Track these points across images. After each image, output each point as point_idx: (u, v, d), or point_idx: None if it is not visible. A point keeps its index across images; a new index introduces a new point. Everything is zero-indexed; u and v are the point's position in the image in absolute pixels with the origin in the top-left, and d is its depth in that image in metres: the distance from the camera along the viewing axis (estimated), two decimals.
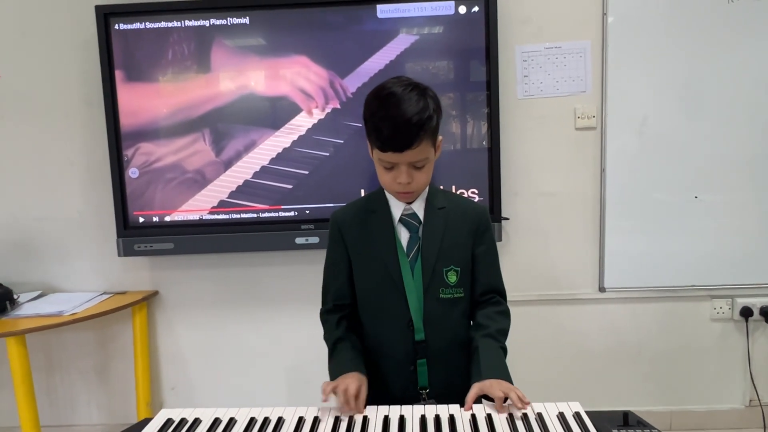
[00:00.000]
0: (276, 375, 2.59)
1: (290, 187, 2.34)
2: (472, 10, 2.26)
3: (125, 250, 2.37)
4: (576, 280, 2.47)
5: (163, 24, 2.28)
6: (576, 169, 2.41)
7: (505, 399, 1.15)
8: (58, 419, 2.64)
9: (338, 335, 1.34)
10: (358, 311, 1.38)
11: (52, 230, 2.52)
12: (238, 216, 2.36)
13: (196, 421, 1.17)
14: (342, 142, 2.32)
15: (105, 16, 2.27)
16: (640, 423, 1.09)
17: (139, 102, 2.32)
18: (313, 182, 2.34)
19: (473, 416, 1.12)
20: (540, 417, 1.11)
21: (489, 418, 1.12)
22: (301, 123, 2.32)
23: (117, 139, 2.33)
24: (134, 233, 2.37)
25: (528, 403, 1.15)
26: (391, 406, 1.18)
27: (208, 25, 2.28)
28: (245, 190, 2.35)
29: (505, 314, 1.36)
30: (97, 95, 2.35)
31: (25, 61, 2.43)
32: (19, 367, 2.10)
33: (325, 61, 2.29)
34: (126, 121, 2.33)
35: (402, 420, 1.13)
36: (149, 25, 2.28)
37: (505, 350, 1.30)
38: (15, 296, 2.31)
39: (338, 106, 2.31)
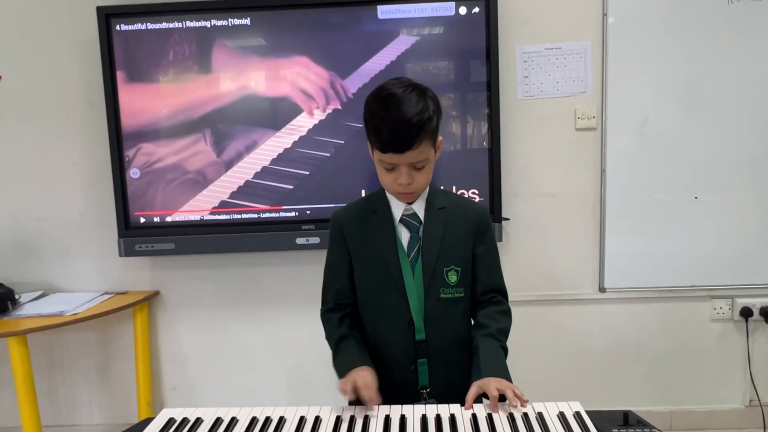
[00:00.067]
0: (277, 375, 2.59)
1: (291, 187, 2.35)
2: (473, 11, 2.26)
3: (126, 251, 2.37)
4: (576, 280, 2.48)
5: (164, 25, 2.29)
6: (576, 170, 2.42)
7: (503, 398, 1.15)
8: (59, 419, 2.65)
9: (342, 333, 1.34)
10: (358, 311, 1.39)
11: (53, 230, 2.52)
12: (239, 216, 2.37)
13: (198, 421, 1.17)
14: (343, 142, 2.33)
15: (106, 17, 2.28)
16: (640, 422, 1.09)
17: (141, 103, 2.32)
18: (313, 183, 2.34)
19: (474, 416, 1.13)
20: (540, 416, 1.12)
21: (489, 417, 1.12)
22: (302, 123, 2.32)
23: (118, 140, 2.34)
24: (135, 233, 2.38)
25: (527, 401, 1.15)
26: (392, 406, 1.18)
27: (209, 26, 2.28)
28: (246, 191, 2.36)
29: (506, 313, 1.36)
30: (98, 96, 2.35)
31: (27, 62, 2.44)
32: (20, 367, 2.10)
33: (325, 62, 2.29)
34: (127, 121, 2.33)
35: (403, 419, 1.13)
36: (150, 25, 2.29)
37: (505, 350, 1.30)
38: (16, 296, 2.31)
39: (339, 107, 2.31)
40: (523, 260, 2.46)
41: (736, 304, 2.44)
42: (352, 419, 1.15)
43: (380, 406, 1.18)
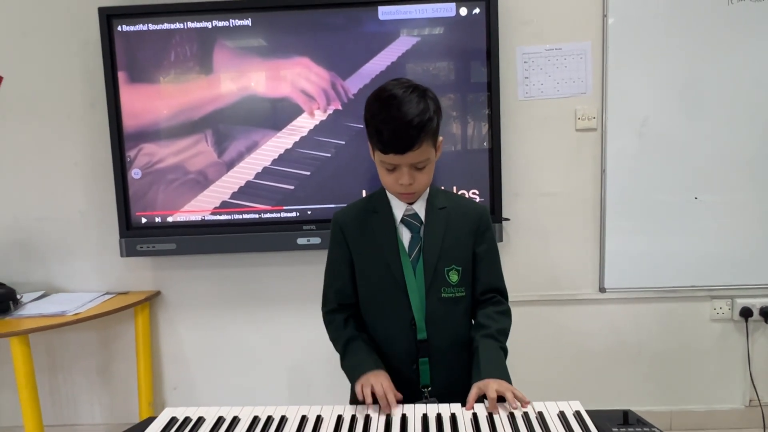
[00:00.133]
0: (277, 375, 2.60)
1: (292, 187, 2.36)
2: (473, 12, 2.27)
3: (128, 251, 2.38)
4: (576, 280, 2.48)
5: (165, 26, 2.29)
6: (576, 170, 2.42)
7: (503, 399, 1.16)
8: (60, 419, 2.65)
9: (350, 334, 1.34)
10: (360, 311, 1.39)
11: (54, 230, 2.53)
12: (240, 217, 2.37)
13: (200, 420, 1.18)
14: (343, 143, 2.33)
15: (108, 18, 2.28)
16: (640, 421, 1.10)
17: (142, 103, 2.33)
18: (314, 183, 2.35)
19: (474, 415, 1.13)
20: (541, 416, 1.12)
21: (490, 416, 1.13)
22: (303, 124, 2.33)
23: (120, 140, 2.34)
24: (137, 234, 2.38)
25: (528, 403, 1.16)
26: None
27: (210, 26, 2.29)
28: (247, 191, 2.36)
29: (506, 314, 1.37)
30: (99, 96, 2.36)
31: (28, 63, 2.44)
32: (22, 367, 2.11)
33: (326, 63, 2.30)
34: (129, 122, 2.34)
35: (404, 419, 1.14)
36: (152, 26, 2.30)
37: (505, 350, 1.31)
38: (18, 296, 2.32)
39: (340, 108, 2.32)
40: (523, 260, 2.46)
41: (736, 304, 2.44)
42: (354, 418, 1.15)
43: (381, 405, 1.19)
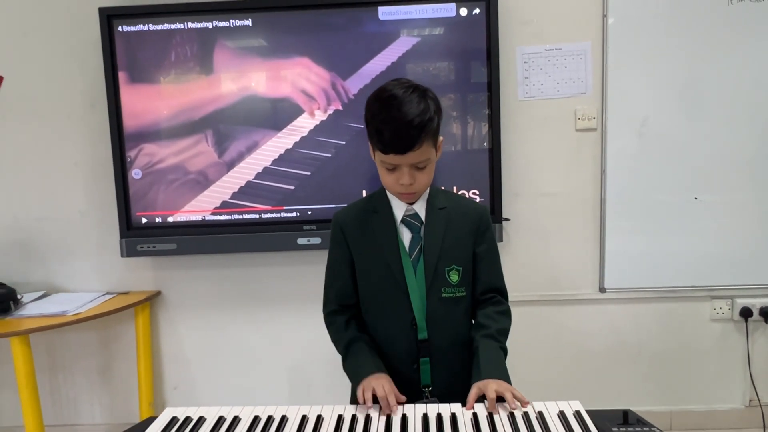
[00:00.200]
0: (278, 375, 2.60)
1: (292, 188, 2.36)
2: (473, 12, 2.27)
3: (128, 251, 2.38)
4: (576, 280, 2.48)
5: (165, 26, 2.29)
6: (576, 170, 2.42)
7: (502, 399, 1.16)
8: (61, 419, 2.65)
9: (352, 336, 1.34)
10: (361, 311, 1.39)
11: (55, 231, 2.53)
12: (241, 217, 2.38)
13: (201, 420, 1.18)
14: (344, 143, 2.33)
15: (108, 18, 2.28)
16: (640, 421, 1.10)
17: (142, 103, 2.33)
18: (315, 183, 2.35)
19: (475, 415, 1.14)
20: (541, 415, 1.12)
21: (490, 416, 1.13)
22: (303, 124, 2.33)
23: (120, 141, 2.34)
24: (137, 234, 2.38)
25: (527, 403, 1.16)
26: None
27: (210, 27, 2.29)
28: (247, 191, 2.36)
29: (506, 314, 1.37)
30: (100, 96, 2.36)
31: (28, 63, 2.44)
32: (22, 367, 2.11)
33: (326, 63, 2.30)
34: (129, 122, 2.34)
35: (404, 419, 1.14)
36: (152, 27, 2.30)
37: (505, 350, 1.31)
38: (18, 296, 2.32)
39: (340, 108, 2.32)
40: (523, 260, 2.47)
41: (736, 304, 2.44)
42: (354, 418, 1.15)
43: (381, 405, 1.19)
